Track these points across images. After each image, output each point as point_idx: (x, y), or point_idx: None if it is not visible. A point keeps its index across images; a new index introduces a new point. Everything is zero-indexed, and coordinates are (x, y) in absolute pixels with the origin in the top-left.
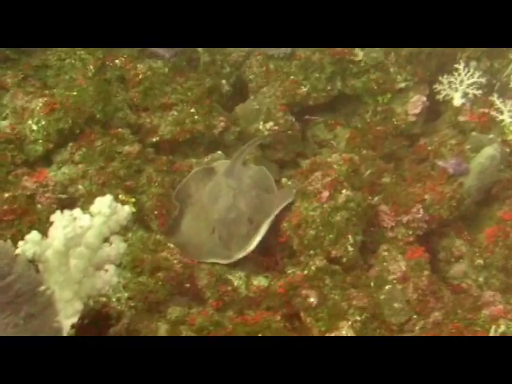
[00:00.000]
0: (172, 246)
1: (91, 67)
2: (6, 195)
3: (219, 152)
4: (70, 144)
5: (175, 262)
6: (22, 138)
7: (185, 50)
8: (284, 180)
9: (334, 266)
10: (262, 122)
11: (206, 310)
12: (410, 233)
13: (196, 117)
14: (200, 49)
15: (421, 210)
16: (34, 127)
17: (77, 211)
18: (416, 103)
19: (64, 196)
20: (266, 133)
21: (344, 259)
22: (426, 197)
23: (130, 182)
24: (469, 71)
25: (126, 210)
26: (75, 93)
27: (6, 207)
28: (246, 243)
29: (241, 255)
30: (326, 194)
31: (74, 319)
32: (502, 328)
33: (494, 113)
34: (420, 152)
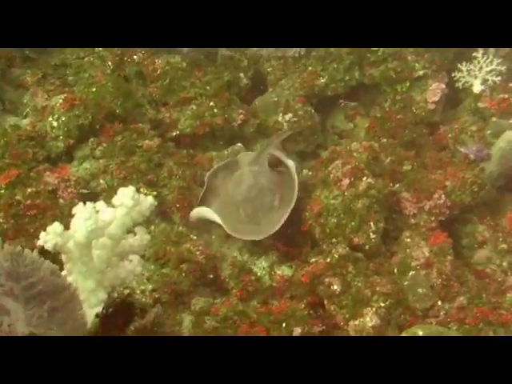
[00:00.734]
0: (195, 237)
1: (110, 64)
2: (29, 190)
3: (239, 144)
4: (91, 139)
5: (198, 253)
6: (43, 135)
7: None
8: (305, 171)
9: (357, 253)
10: (281, 114)
11: (230, 300)
12: (433, 219)
13: (215, 110)
14: None
15: (442, 196)
16: (55, 124)
17: (100, 204)
18: (435, 91)
19: (86, 191)
20: (286, 125)
21: (366, 246)
22: (448, 183)
23: (151, 176)
24: (487, 58)
25: (149, 200)
26: (94, 89)
27: (28, 202)
28: (273, 215)
29: (272, 230)
30: (346, 181)
31: (99, 309)
32: None
33: None
34: (440, 140)
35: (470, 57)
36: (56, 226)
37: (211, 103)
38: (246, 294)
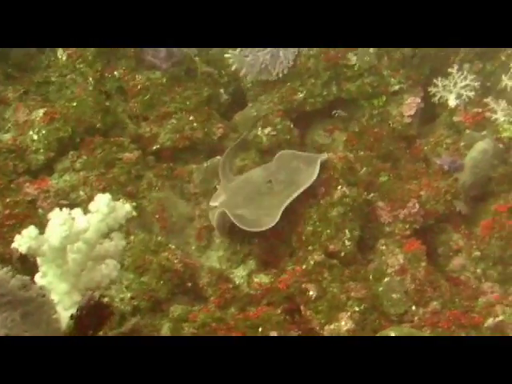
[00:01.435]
0: (173, 246)
1: (91, 79)
2: (8, 200)
3: (218, 157)
4: (71, 152)
5: (176, 261)
6: (23, 148)
7: (182, 60)
8: None
9: (333, 260)
10: (260, 128)
11: (208, 307)
12: (407, 227)
13: (195, 124)
14: (197, 59)
15: (416, 205)
16: (35, 137)
17: (76, 211)
18: (411, 105)
19: (66, 202)
20: (265, 138)
21: (342, 253)
22: (422, 193)
23: (131, 188)
24: (462, 74)
25: (126, 208)
26: (75, 104)
27: (7, 212)
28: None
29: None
30: (321, 190)
31: (73, 310)
32: (500, 317)
33: (487, 112)
34: (417, 152)
35: (446, 72)
36: (31, 230)
37: (191, 118)
38: (224, 301)
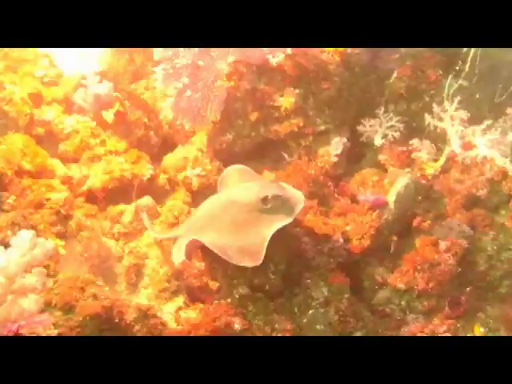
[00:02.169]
0: (101, 283)
1: (20, 122)
2: None
3: (147, 196)
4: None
5: (103, 298)
6: None
7: (111, 103)
8: None
9: (257, 293)
10: (189, 169)
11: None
12: (332, 260)
13: (124, 165)
14: (127, 103)
15: (340, 239)
16: None
17: None
18: (337, 145)
19: None
20: (194, 179)
21: (266, 287)
22: (348, 228)
23: (60, 227)
24: (388, 115)
25: (48, 244)
26: (4, 146)
27: None
28: None
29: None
30: None
31: None
32: None
33: (412, 151)
34: (344, 190)
35: (372, 113)
36: None
37: (121, 159)
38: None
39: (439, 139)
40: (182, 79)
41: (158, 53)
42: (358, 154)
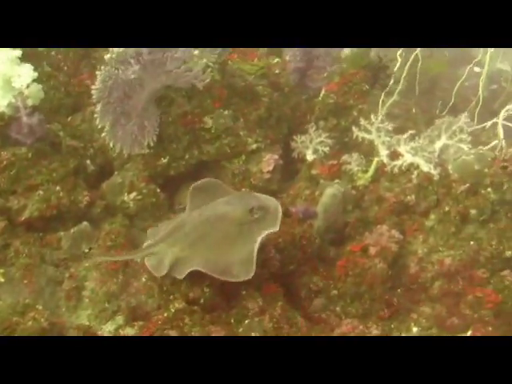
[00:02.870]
0: (40, 307)
1: None
2: None
3: (85, 223)
4: None
5: (43, 320)
6: None
7: (46, 135)
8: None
9: (193, 306)
10: (126, 194)
11: None
12: (265, 271)
13: (61, 194)
14: (61, 133)
15: (272, 251)
16: None
17: None
18: (269, 161)
19: None
20: (131, 203)
21: (202, 300)
22: (280, 240)
23: None
24: (317, 131)
25: None
26: None
27: None
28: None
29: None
30: None
31: None
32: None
33: (342, 164)
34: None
35: (304, 130)
36: None
37: (57, 188)
38: None
39: (370, 151)
40: (116, 109)
41: (95, 92)
42: (292, 169)
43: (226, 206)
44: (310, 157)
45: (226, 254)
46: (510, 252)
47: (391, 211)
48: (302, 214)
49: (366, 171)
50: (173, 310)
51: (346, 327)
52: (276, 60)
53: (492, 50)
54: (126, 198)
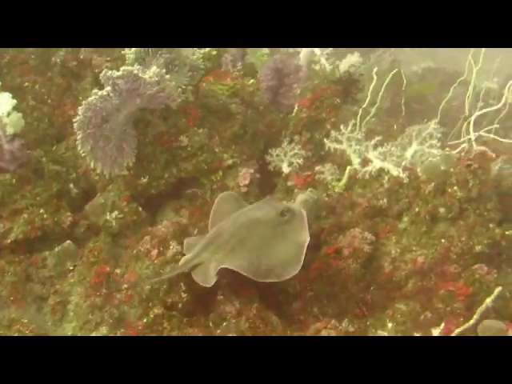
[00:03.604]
0: (25, 320)
1: None
2: None
3: (68, 241)
4: None
5: (27, 332)
6: None
7: (28, 161)
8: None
9: (171, 312)
10: (108, 213)
11: None
12: (242, 276)
13: (45, 216)
14: (44, 159)
15: None
16: None
17: None
18: (245, 175)
19: None
20: (114, 222)
21: (179, 305)
22: None
23: None
24: (290, 145)
25: None
26: None
27: None
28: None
29: None
30: (154, 251)
31: None
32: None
33: (316, 174)
34: None
35: (279, 145)
36: None
37: (41, 211)
38: None
39: (344, 161)
40: (95, 134)
41: (76, 125)
42: (270, 183)
43: (258, 211)
44: (285, 169)
45: (267, 256)
46: (479, 247)
47: (364, 215)
48: None
49: (339, 180)
50: (152, 316)
51: (321, 324)
52: (251, 81)
53: (478, 67)
54: (108, 217)
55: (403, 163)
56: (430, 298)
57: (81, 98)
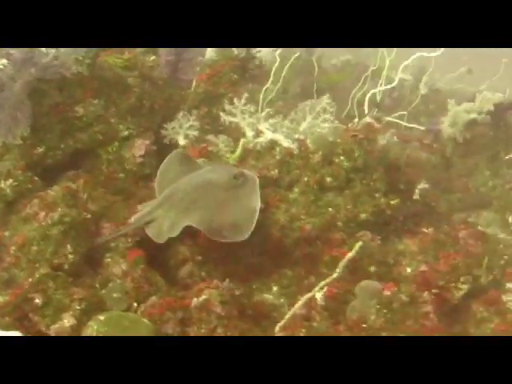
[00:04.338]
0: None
1: None
2: None
3: None
4: None
5: None
6: None
7: None
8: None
9: (58, 272)
10: (3, 181)
11: None
12: (129, 240)
13: None
14: None
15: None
16: None
17: None
18: (140, 147)
19: None
20: (8, 189)
21: (66, 266)
22: None
23: None
24: (185, 117)
25: None
26: None
27: None
28: None
29: None
30: (42, 214)
31: None
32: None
33: (210, 146)
34: (148, 186)
35: (174, 117)
36: None
37: None
38: None
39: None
40: None
41: None
42: (167, 155)
43: (213, 173)
44: (181, 142)
45: (218, 216)
46: (364, 215)
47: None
48: None
49: (234, 152)
50: (37, 276)
51: (203, 284)
52: (152, 57)
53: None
54: (2, 185)
55: (296, 135)
56: (315, 263)
57: None
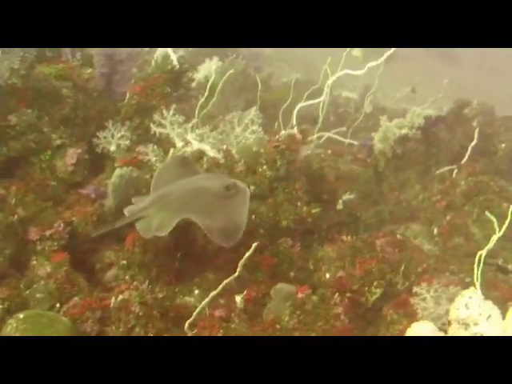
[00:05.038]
0: None
1: None
2: None
3: None
4: None
5: None
6: None
7: None
8: None
9: None
10: None
11: None
12: (55, 244)
13: None
14: None
15: (61, 225)
16: None
17: None
18: (72, 155)
19: None
20: None
21: None
22: (74, 218)
23: None
24: (116, 127)
25: None
26: None
27: None
28: None
29: None
30: None
31: None
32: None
33: (140, 156)
34: (81, 194)
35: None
36: None
37: None
38: None
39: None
40: None
41: None
42: (99, 164)
43: (207, 181)
44: (113, 151)
45: (206, 220)
46: (285, 222)
47: None
48: (93, 194)
49: (163, 161)
50: None
51: (124, 286)
52: (89, 70)
53: (334, 78)
54: None
55: (224, 146)
56: (236, 268)
57: None
